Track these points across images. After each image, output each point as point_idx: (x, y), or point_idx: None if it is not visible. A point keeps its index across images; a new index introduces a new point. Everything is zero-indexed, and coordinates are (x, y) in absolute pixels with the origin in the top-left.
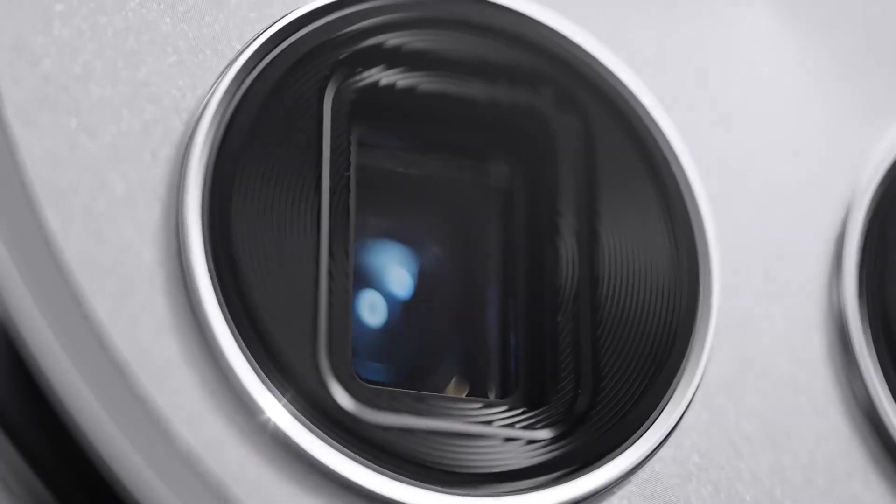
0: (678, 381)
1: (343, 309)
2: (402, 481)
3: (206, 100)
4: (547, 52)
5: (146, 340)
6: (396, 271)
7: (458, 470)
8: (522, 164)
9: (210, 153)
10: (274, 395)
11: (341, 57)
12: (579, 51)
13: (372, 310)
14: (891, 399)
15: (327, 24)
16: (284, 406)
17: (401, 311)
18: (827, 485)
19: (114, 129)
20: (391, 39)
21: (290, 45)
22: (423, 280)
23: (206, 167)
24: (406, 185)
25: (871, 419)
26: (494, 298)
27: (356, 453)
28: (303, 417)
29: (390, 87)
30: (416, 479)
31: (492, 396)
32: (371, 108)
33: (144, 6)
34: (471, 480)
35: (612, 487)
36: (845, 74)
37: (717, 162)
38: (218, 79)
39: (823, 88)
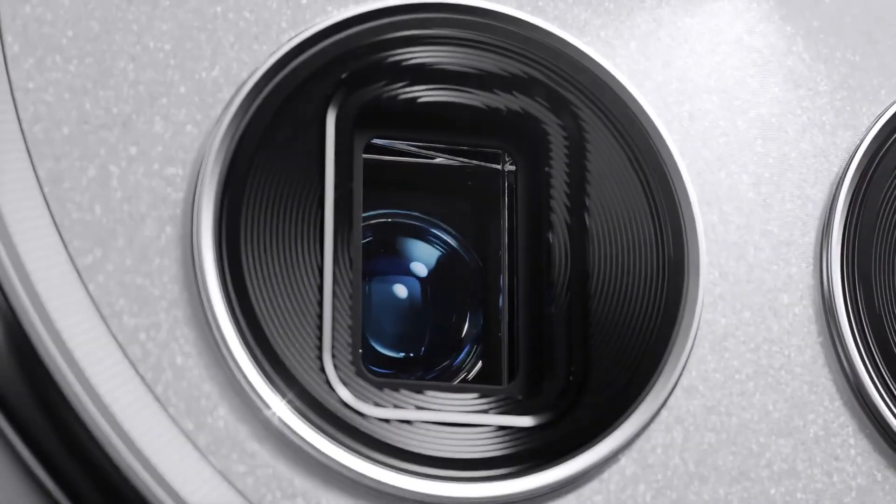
0: (665, 363)
1: (348, 311)
2: (399, 471)
3: (215, 127)
4: (537, 56)
5: (163, 347)
6: (410, 261)
7: (452, 457)
8: (522, 164)
9: (220, 177)
10: (277, 393)
11: (343, 76)
12: (572, 51)
13: (386, 298)
14: (870, 368)
15: (328, 45)
16: (286, 405)
17: (414, 298)
18: (815, 454)
19: (131, 156)
20: (391, 56)
21: (294, 68)
22: (436, 270)
23: (217, 190)
24: (411, 182)
25: (856, 388)
26: (504, 290)
27: (355, 446)
28: (301, 416)
29: (391, 100)
30: (412, 469)
31: (503, 382)
32: (374, 119)
33: (157, 43)
34: (464, 467)
35: (602, 466)
36: (835, 58)
37: (705, 152)
38: (227, 105)
39: (815, 75)
